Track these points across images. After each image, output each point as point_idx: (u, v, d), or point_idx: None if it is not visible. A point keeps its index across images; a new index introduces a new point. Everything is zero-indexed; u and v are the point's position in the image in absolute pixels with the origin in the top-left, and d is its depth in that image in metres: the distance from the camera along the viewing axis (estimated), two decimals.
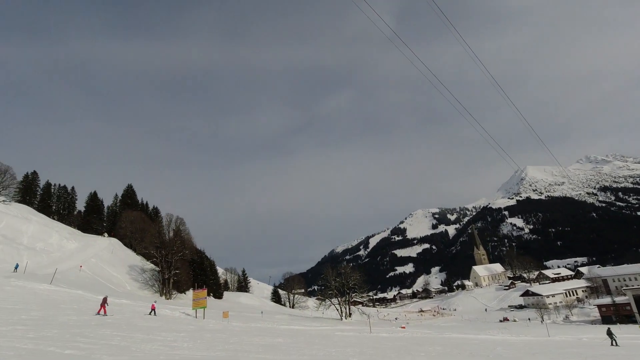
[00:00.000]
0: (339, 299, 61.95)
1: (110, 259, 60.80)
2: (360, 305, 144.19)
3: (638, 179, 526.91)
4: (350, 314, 60.71)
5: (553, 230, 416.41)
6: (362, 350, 14.35)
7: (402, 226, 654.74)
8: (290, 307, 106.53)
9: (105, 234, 76.31)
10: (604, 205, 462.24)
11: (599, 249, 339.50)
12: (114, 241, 69.91)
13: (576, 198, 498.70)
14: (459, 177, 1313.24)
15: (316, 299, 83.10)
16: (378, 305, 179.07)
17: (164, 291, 57.30)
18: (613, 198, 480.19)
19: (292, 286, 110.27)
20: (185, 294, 66.33)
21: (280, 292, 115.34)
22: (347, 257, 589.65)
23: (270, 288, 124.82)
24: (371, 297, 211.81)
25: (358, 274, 62.45)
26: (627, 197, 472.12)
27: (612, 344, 27.25)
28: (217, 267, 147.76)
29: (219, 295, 77.39)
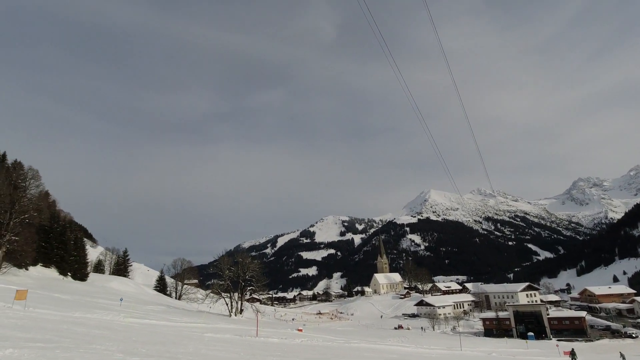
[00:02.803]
0: (232, 292, 53.02)
1: None
2: (258, 302, 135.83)
3: (513, 214, 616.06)
4: (241, 311, 52.10)
5: (444, 249, 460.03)
6: None
7: (311, 229, 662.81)
8: (176, 298, 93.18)
9: None
10: (485, 232, 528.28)
11: (476, 270, 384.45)
12: None
13: (466, 224, 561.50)
14: (372, 190, 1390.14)
15: (210, 292, 72.58)
16: (277, 304, 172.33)
17: None
18: (493, 227, 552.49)
19: (182, 275, 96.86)
20: (26, 269, 50.60)
21: (170, 281, 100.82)
22: (253, 253, 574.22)
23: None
24: (271, 296, 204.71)
25: (257, 265, 54.26)
26: (503, 228, 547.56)
27: None
28: (98, 245, 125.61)
29: (80, 277, 61.92)
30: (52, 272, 56.73)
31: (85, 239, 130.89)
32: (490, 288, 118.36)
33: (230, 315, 50.42)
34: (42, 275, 52.99)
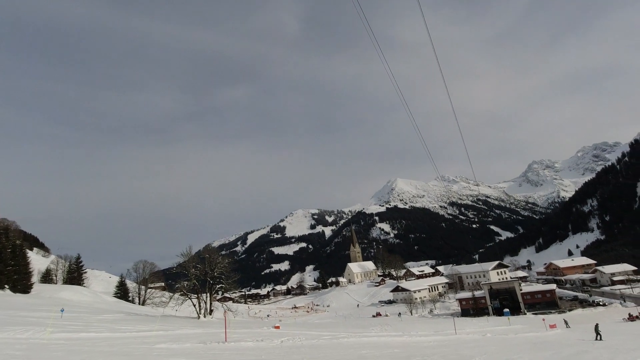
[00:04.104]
0: (200, 292, 48.37)
1: None
2: (231, 301, 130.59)
3: (475, 198, 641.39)
4: (211, 311, 47.64)
5: (413, 236, 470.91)
6: None
7: (282, 224, 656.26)
8: (139, 303, 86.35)
9: None
10: (451, 217, 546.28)
11: (444, 253, 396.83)
12: None
13: (432, 210, 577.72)
14: (340, 183, 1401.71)
15: (174, 294, 66.97)
16: (250, 301, 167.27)
17: None
18: (457, 212, 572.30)
19: (146, 278, 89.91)
20: None
21: (132, 285, 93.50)
22: (224, 252, 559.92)
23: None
24: (244, 293, 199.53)
25: (226, 260, 49.87)
26: (467, 211, 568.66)
27: (596, 339, 25.77)
28: (51, 255, 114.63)
29: (22, 289, 54.52)
30: None
31: (35, 249, 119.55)
32: (463, 269, 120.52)
33: (199, 317, 45.90)
34: None
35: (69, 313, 31.84)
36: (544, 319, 42.53)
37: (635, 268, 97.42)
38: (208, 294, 48.82)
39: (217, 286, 50.75)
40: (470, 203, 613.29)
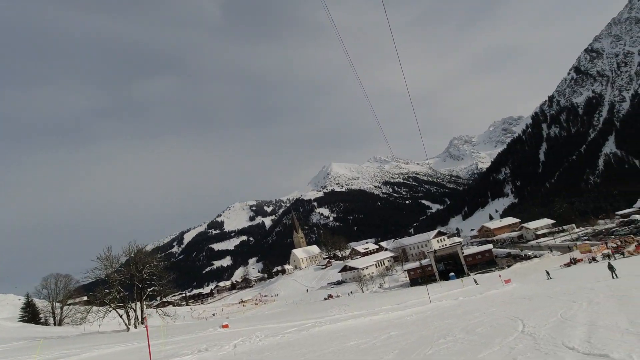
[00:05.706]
0: (128, 300, 40.78)
1: None
2: (170, 305, 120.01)
3: (406, 175, 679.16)
4: (143, 320, 40.36)
5: (351, 217, 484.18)
6: None
7: (219, 219, 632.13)
8: (55, 324, 73.69)
9: None
10: (385, 195, 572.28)
11: (382, 230, 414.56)
12: None
13: (367, 190, 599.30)
14: (276, 172, 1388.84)
15: (92, 306, 56.92)
16: (192, 302, 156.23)
17: None
18: (391, 190, 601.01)
19: (60, 293, 76.90)
20: None
21: (42, 304, 79.54)
22: (158, 255, 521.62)
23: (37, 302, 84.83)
24: (185, 295, 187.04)
25: (156, 259, 42.69)
26: (400, 189, 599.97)
27: (613, 277, 27.17)
28: None
29: None
30: None
31: None
32: (407, 241, 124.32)
33: (129, 329, 38.58)
34: None
35: None
36: (500, 275, 43.48)
37: (553, 221, 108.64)
38: (139, 300, 41.40)
39: (149, 290, 43.40)
40: (402, 181, 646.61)
